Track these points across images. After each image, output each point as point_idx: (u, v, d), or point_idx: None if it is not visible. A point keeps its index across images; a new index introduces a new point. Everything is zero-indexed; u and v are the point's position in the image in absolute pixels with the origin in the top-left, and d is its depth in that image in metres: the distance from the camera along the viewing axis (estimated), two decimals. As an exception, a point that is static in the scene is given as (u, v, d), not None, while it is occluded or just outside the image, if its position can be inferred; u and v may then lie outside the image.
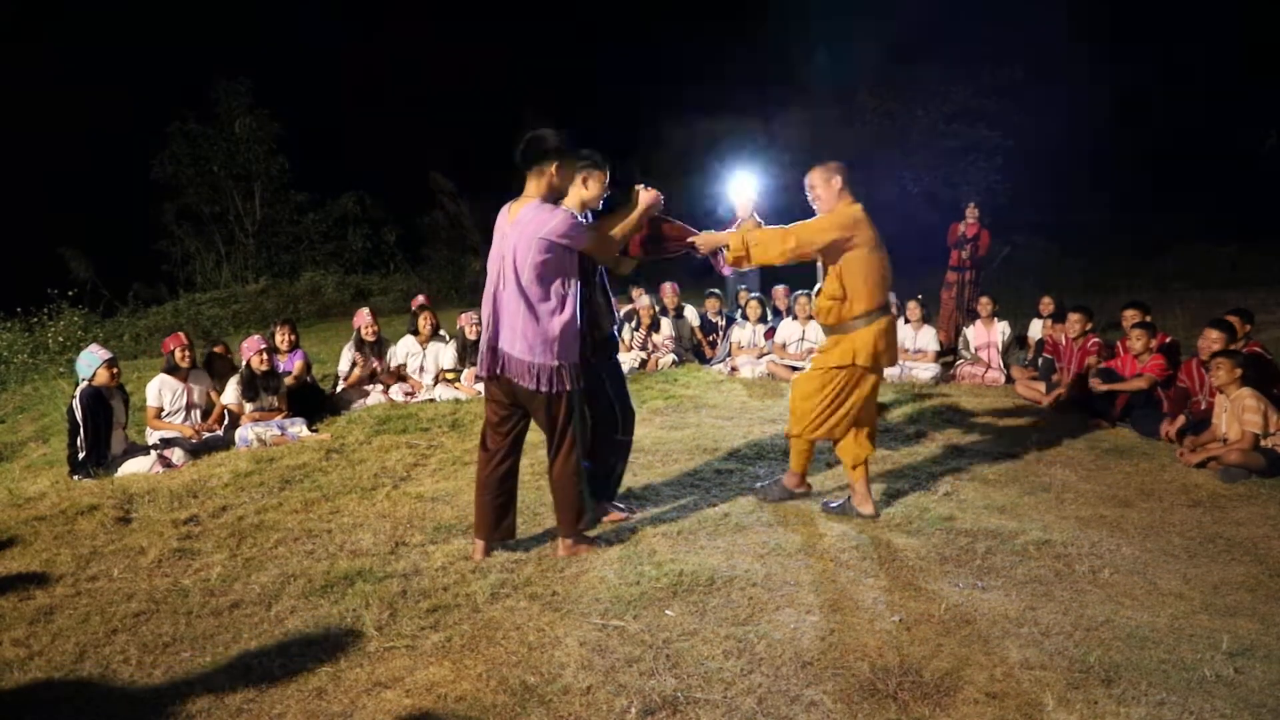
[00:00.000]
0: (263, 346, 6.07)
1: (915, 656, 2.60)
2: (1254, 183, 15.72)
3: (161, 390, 5.71)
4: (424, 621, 2.92)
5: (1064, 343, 6.71)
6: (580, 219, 3.35)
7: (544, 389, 3.27)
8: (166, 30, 18.57)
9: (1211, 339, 5.27)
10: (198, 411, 5.88)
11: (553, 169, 3.30)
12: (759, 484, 4.24)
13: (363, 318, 7.05)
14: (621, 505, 3.95)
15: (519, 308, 3.26)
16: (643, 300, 8.24)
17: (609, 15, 19.55)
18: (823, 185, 3.79)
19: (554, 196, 3.38)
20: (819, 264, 3.88)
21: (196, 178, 17.46)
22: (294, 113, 17.74)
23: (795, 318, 7.92)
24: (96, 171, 17.73)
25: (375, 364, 6.98)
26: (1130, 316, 6.27)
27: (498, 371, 3.34)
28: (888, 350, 3.76)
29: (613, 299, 3.95)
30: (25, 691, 2.61)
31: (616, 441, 3.82)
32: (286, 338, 6.88)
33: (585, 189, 3.62)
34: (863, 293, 3.68)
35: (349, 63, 19.93)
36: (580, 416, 3.42)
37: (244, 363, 6.07)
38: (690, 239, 3.79)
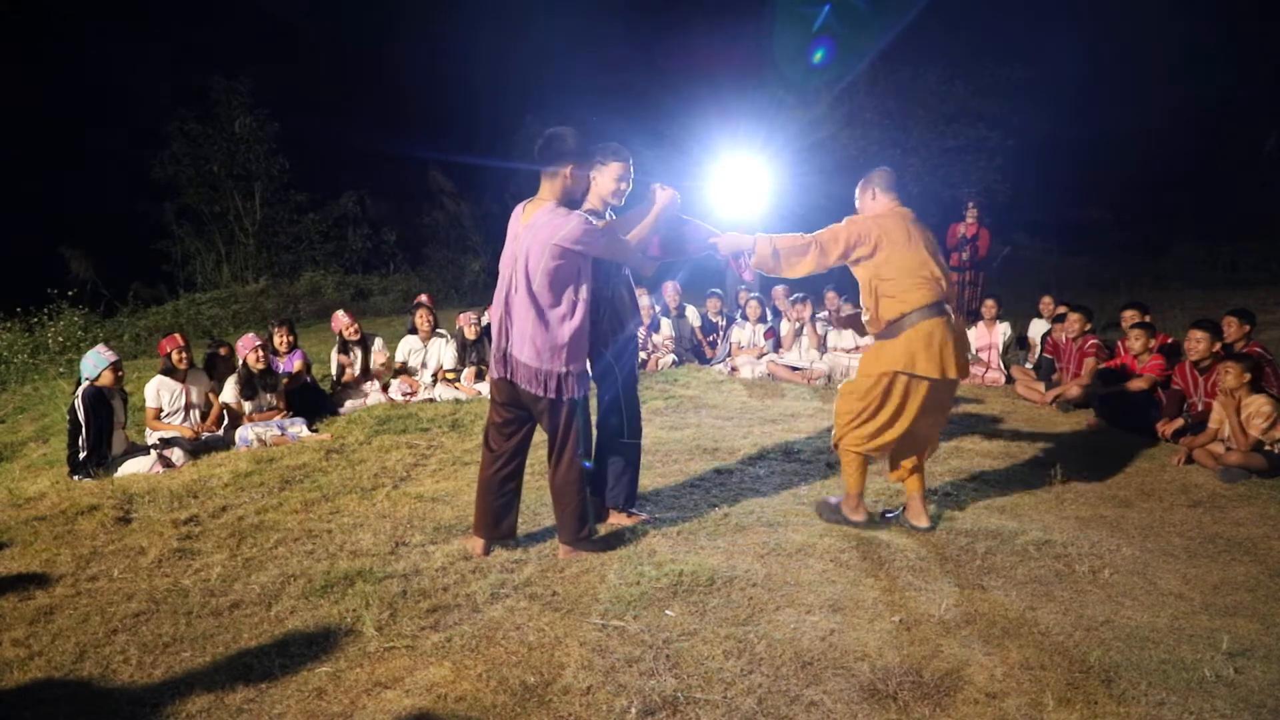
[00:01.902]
0: (258, 344, 6.07)
1: (915, 656, 2.60)
2: (1254, 183, 15.72)
3: (160, 391, 5.71)
4: (424, 621, 2.92)
5: (1064, 342, 6.71)
6: (594, 223, 3.25)
7: (550, 395, 3.24)
8: (167, 30, 18.58)
9: (1196, 339, 5.27)
10: (196, 412, 5.88)
11: (567, 171, 3.23)
12: (830, 500, 3.85)
13: (340, 321, 7.05)
14: (634, 509, 3.89)
15: (529, 313, 3.21)
16: (643, 300, 8.25)
17: (615, 10, 19.57)
18: (861, 201, 3.68)
19: (569, 199, 3.31)
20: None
21: (196, 178, 17.47)
22: (294, 113, 17.75)
23: (798, 326, 7.92)
24: (96, 171, 17.73)
25: (380, 359, 6.99)
26: (1129, 317, 6.28)
27: (508, 375, 3.31)
28: (932, 356, 3.38)
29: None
30: (25, 691, 2.61)
31: (622, 444, 3.80)
32: (285, 339, 6.88)
33: (597, 184, 3.57)
34: (897, 296, 3.45)
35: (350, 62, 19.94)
36: (584, 419, 3.40)
37: (240, 361, 6.07)
38: (711, 239, 3.68)
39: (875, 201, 3.62)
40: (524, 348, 3.23)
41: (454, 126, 19.41)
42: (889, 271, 3.46)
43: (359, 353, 6.97)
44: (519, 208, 3.34)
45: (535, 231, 3.19)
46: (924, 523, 3.68)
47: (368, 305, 15.35)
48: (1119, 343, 6.36)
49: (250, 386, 6.00)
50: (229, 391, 6.03)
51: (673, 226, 3.64)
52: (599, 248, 3.25)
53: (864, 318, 3.64)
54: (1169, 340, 6.16)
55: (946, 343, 3.40)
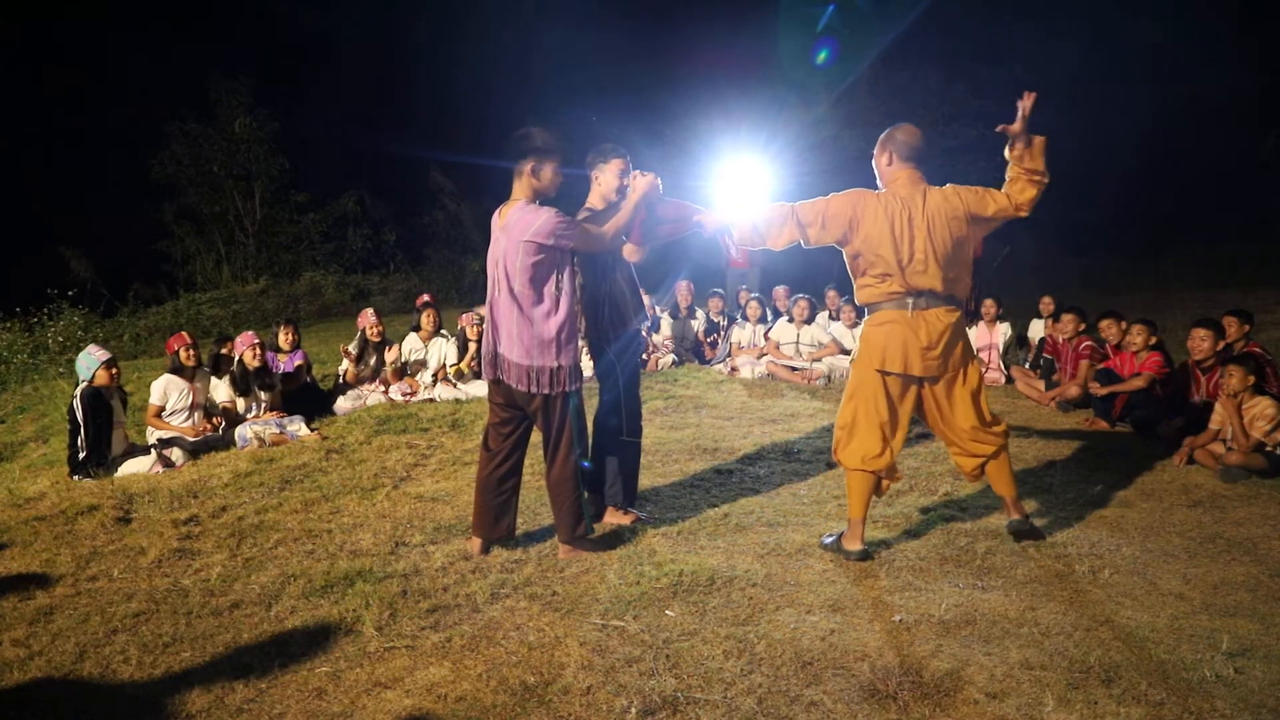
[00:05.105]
0: (256, 341, 6.07)
1: (915, 656, 2.60)
2: (1253, 182, 15.73)
3: (167, 390, 5.71)
4: (424, 621, 2.92)
5: (1061, 343, 6.71)
6: (566, 217, 3.27)
7: (542, 391, 3.26)
8: (166, 30, 18.58)
9: (1199, 338, 5.27)
10: (200, 412, 5.87)
11: (529, 168, 3.26)
12: (826, 539, 3.52)
13: (367, 318, 7.06)
14: (632, 508, 3.88)
15: (513, 312, 3.24)
16: (644, 300, 8.24)
17: (616, 10, 19.55)
18: (877, 164, 3.37)
19: (541, 196, 3.32)
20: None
21: (197, 178, 17.48)
22: (294, 113, 17.75)
23: (792, 319, 7.93)
24: (96, 171, 17.74)
25: (387, 360, 6.98)
26: (1106, 326, 6.25)
27: (499, 376, 3.33)
28: (885, 346, 3.21)
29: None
30: (25, 691, 2.61)
31: (621, 443, 3.79)
32: (289, 337, 6.89)
33: (599, 183, 3.59)
34: (868, 276, 3.27)
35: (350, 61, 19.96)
36: (578, 416, 3.41)
37: (236, 358, 6.07)
38: (697, 216, 3.62)
39: (889, 169, 3.31)
40: (512, 347, 3.26)
41: (454, 126, 19.42)
42: (867, 251, 3.26)
43: (374, 354, 6.96)
44: (498, 210, 3.37)
45: (509, 230, 3.23)
46: (1013, 514, 3.47)
47: (368, 305, 15.37)
48: (1107, 345, 6.34)
49: (245, 383, 6.00)
50: (223, 389, 6.03)
51: (652, 212, 3.59)
52: (573, 240, 3.27)
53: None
54: (1156, 340, 6.14)
55: (909, 337, 3.21)
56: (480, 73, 19.92)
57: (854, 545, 3.35)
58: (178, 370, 5.76)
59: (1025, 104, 3.23)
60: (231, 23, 19.57)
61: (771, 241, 3.41)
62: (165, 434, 5.59)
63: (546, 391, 3.26)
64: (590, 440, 3.75)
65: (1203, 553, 3.47)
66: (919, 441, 5.27)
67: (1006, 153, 3.30)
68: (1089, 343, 6.42)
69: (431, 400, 6.79)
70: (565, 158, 3.39)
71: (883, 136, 3.37)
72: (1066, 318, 6.61)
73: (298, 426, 5.83)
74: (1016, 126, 3.23)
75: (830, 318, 8.16)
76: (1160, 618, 2.87)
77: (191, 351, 5.81)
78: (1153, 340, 5.93)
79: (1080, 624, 2.81)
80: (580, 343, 3.45)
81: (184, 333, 6.02)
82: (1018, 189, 3.28)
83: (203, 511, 4.25)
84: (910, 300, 3.24)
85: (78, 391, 5.18)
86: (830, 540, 3.47)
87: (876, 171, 3.41)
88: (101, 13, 18.28)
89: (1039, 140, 3.25)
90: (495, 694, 2.44)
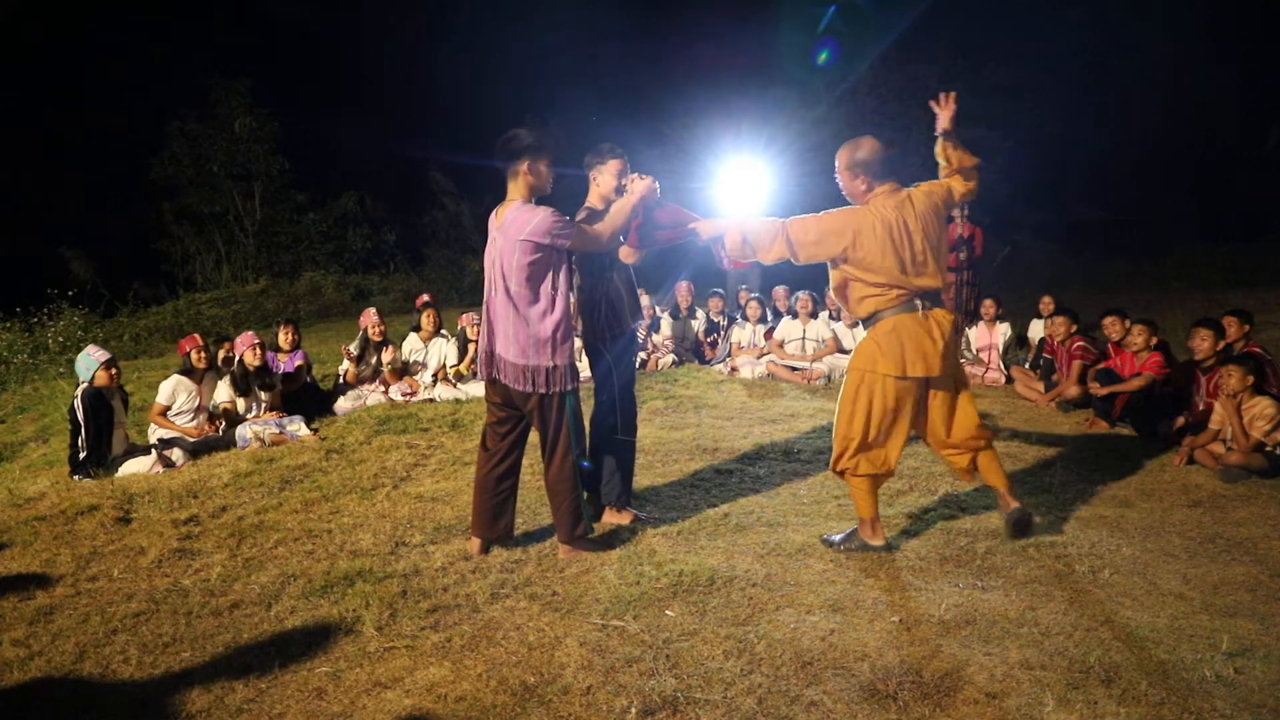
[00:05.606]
0: (256, 341, 6.07)
1: (915, 656, 2.60)
2: (1254, 182, 15.74)
3: (176, 390, 5.72)
4: (424, 621, 2.92)
5: (1057, 345, 6.72)
6: (563, 216, 3.26)
7: (539, 390, 3.27)
8: (166, 30, 18.59)
9: (1200, 338, 5.27)
10: (205, 415, 5.87)
11: (524, 167, 3.25)
12: (833, 537, 3.54)
13: (369, 317, 7.06)
14: (629, 507, 3.87)
15: (509, 312, 3.24)
16: (643, 300, 8.24)
17: (615, 10, 19.56)
18: (844, 175, 3.36)
19: (535, 194, 3.32)
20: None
21: (197, 178, 17.48)
22: (294, 113, 17.76)
23: (795, 316, 7.93)
24: (96, 171, 17.75)
25: (384, 362, 6.98)
26: (1110, 324, 6.24)
27: (495, 375, 3.34)
28: (903, 351, 3.23)
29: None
30: (25, 691, 2.61)
31: (617, 442, 3.79)
32: (289, 337, 6.89)
33: (598, 184, 3.60)
34: (869, 286, 3.29)
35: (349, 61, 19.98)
36: (575, 416, 3.41)
37: (236, 358, 6.08)
38: (692, 224, 3.59)
39: (870, 193, 3.32)
40: (509, 347, 3.26)
41: (454, 126, 19.44)
42: (871, 262, 3.25)
43: (375, 354, 6.96)
44: (494, 211, 3.36)
45: (505, 230, 3.23)
46: (1010, 504, 3.53)
47: (368, 305, 15.38)
48: (1108, 345, 6.34)
49: (245, 384, 6.00)
50: (223, 390, 6.03)
51: (649, 216, 3.58)
52: (569, 239, 3.27)
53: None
54: (1157, 340, 6.14)
55: (925, 339, 3.24)
56: (480, 73, 19.95)
57: (878, 540, 3.43)
58: (188, 372, 5.78)
59: (947, 103, 3.46)
60: (231, 22, 19.58)
61: (761, 255, 3.40)
62: (167, 434, 5.59)
63: (543, 391, 3.27)
64: (588, 442, 3.75)
65: (1203, 553, 3.47)
66: (919, 441, 5.26)
67: (937, 153, 3.53)
68: (1081, 343, 6.42)
69: (431, 400, 6.79)
70: (557, 155, 3.38)
71: (845, 160, 3.34)
72: (1058, 320, 6.62)
73: (298, 426, 5.83)
74: (947, 125, 3.43)
75: (831, 318, 8.16)
76: (1160, 618, 2.87)
77: (203, 354, 5.84)
78: (1154, 340, 5.93)
79: (1080, 624, 2.81)
80: (576, 343, 3.45)
81: (196, 335, 6.05)
82: (965, 174, 3.50)
83: (203, 511, 4.25)
84: (919, 302, 3.30)
85: (78, 392, 5.18)
86: (840, 539, 3.49)
87: (851, 195, 3.39)
88: (102, 13, 18.29)
89: (953, 139, 3.48)
90: (495, 694, 2.45)
